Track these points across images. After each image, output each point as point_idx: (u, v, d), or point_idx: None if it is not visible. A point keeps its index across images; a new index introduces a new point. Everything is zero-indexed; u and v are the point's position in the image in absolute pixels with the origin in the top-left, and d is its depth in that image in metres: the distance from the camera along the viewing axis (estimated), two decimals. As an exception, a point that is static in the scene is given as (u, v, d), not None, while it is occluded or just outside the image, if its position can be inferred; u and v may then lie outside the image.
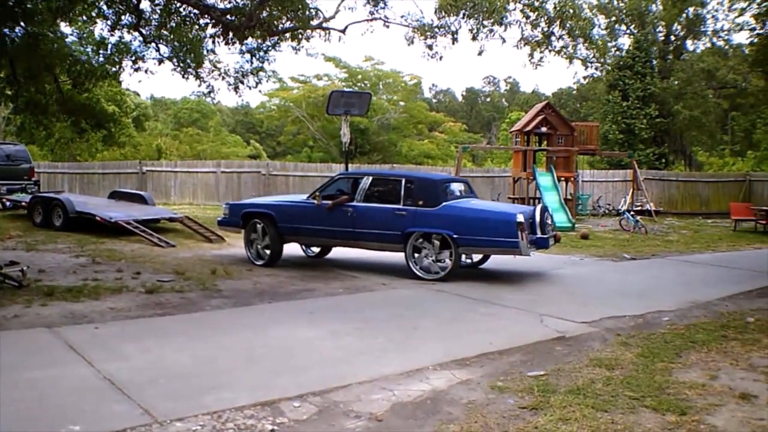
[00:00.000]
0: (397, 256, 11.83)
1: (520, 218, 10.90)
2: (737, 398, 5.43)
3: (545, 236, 11.52)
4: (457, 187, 12.25)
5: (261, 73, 20.35)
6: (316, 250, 13.56)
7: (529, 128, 24.10)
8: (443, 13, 19.87)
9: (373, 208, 11.71)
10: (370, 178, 12.15)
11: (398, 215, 11.42)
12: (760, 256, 15.71)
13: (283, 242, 12.34)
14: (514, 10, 20.66)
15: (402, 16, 21.07)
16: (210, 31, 18.35)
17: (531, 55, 22.85)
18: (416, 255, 11.29)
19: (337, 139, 31.97)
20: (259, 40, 18.66)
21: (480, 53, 21.53)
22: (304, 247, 13.55)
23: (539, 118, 24.00)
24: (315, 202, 11.93)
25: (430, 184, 11.94)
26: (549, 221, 12.03)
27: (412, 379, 5.75)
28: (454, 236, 11.03)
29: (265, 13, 17.02)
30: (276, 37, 19.17)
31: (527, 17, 20.99)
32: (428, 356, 6.41)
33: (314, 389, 5.36)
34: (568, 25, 21.51)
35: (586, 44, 24.93)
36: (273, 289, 9.86)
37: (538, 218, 11.43)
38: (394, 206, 11.52)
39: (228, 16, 17.67)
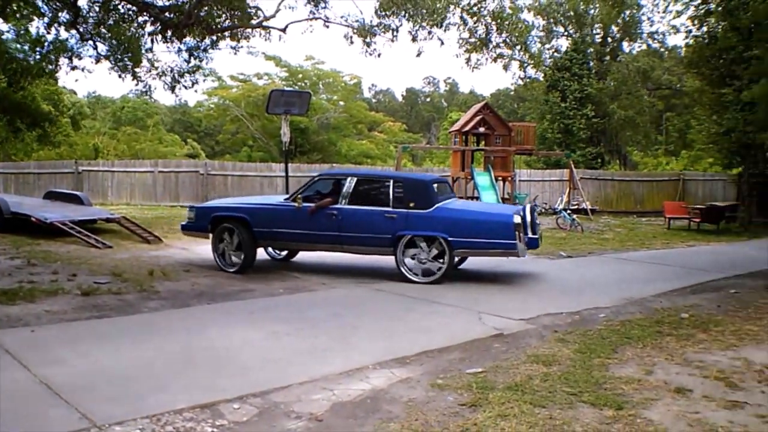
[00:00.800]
0: (339, 256, 11.88)
1: (518, 219, 10.92)
2: (672, 392, 5.58)
3: (536, 236, 11.54)
4: (441, 188, 12.05)
5: (198, 72, 20.21)
6: (283, 252, 13.14)
7: (467, 128, 24.31)
8: (384, 12, 19.93)
9: (361, 211, 11.29)
10: (355, 179, 11.64)
11: (388, 218, 11.14)
12: (693, 253, 16.11)
13: (257, 247, 11.83)
14: (454, 14, 20.85)
15: (342, 17, 21.04)
16: (148, 28, 18.16)
17: (468, 59, 23.08)
18: (407, 258, 11.12)
19: (276, 139, 31.84)
20: (198, 39, 18.51)
21: (419, 54, 21.69)
22: (270, 250, 13.13)
23: (477, 118, 24.22)
24: (295, 204, 11.39)
25: (421, 185, 11.69)
26: (538, 221, 12.10)
27: (353, 378, 5.78)
28: (449, 239, 10.90)
29: (204, 12, 16.90)
30: (215, 36, 19.03)
31: (465, 23, 21.20)
32: (368, 355, 6.45)
33: (254, 390, 5.35)
34: (504, 33, 21.77)
35: (522, 52, 25.23)
36: (212, 290, 9.80)
37: (528, 218, 11.34)
38: (384, 209, 11.22)
39: (166, 14, 17.50)
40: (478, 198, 22.30)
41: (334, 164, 30.57)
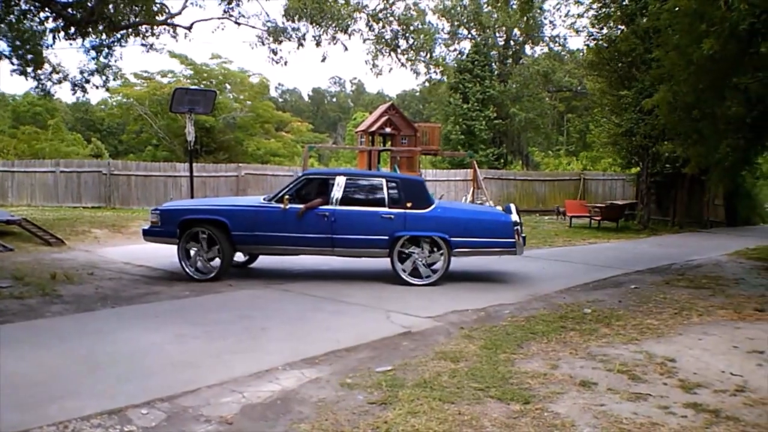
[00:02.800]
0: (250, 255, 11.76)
1: (516, 218, 11.10)
2: (578, 386, 5.71)
3: (523, 236, 11.46)
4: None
5: (108, 70, 19.75)
6: (243, 257, 12.46)
7: (373, 128, 24.42)
8: (290, 17, 19.84)
9: (357, 212, 10.99)
10: (344, 178, 11.29)
11: (385, 219, 10.93)
12: (595, 250, 16.55)
13: (235, 252, 11.30)
14: (360, 20, 20.90)
15: (247, 16, 20.82)
16: (50, 25, 17.63)
17: (374, 65, 23.20)
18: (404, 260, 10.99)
19: (181, 138, 31.34)
20: (105, 36, 18.08)
21: (323, 60, 21.61)
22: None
23: (384, 118, 24.36)
24: (281, 206, 10.85)
25: (418, 185, 11.60)
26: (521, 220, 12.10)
27: (262, 380, 5.73)
28: (449, 239, 10.91)
29: (111, 8, 16.51)
30: (120, 33, 18.62)
31: (371, 28, 21.27)
32: (277, 356, 6.40)
33: (162, 395, 5.25)
34: (411, 38, 21.93)
35: (427, 57, 25.46)
36: (116, 294, 9.58)
37: (517, 218, 11.34)
38: (380, 209, 11.00)
39: (69, 10, 17.01)
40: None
41: (240, 164, 30.31)
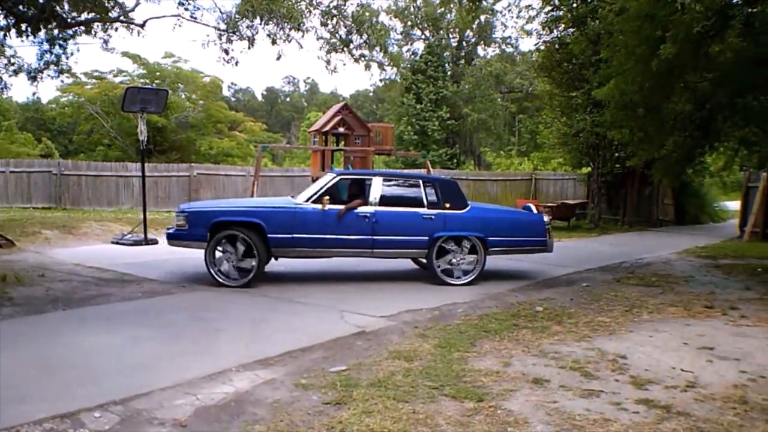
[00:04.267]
0: (187, 254, 11.65)
1: (547, 218, 11.63)
2: (530, 383, 5.76)
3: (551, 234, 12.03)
4: None
5: (59, 66, 19.48)
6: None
7: (327, 128, 24.31)
8: (241, 17, 19.73)
9: (398, 213, 10.99)
10: (381, 179, 11.27)
11: (426, 219, 11.00)
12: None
13: (271, 257, 10.87)
14: (313, 17, 20.86)
15: (202, 10, 20.68)
16: (1, 22, 17.33)
17: (328, 62, 23.16)
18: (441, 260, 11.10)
19: (133, 138, 31.02)
20: (56, 32, 17.82)
21: (278, 58, 21.63)
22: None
23: (337, 118, 24.27)
24: (320, 207, 10.65)
25: (454, 186, 11.72)
26: None
27: (216, 381, 5.69)
28: (486, 238, 11.14)
29: (63, 5, 16.28)
30: (72, 30, 18.37)
31: (325, 25, 21.26)
32: (231, 358, 6.35)
33: (115, 398, 5.18)
34: (365, 34, 21.95)
35: (382, 53, 25.56)
36: (67, 296, 9.42)
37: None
38: (420, 210, 11.06)
39: (20, 7, 16.74)
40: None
41: (193, 164, 30.09)
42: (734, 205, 29.19)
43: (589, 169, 26.36)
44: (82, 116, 39.04)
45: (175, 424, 4.75)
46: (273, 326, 7.88)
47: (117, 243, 15.53)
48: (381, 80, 45.31)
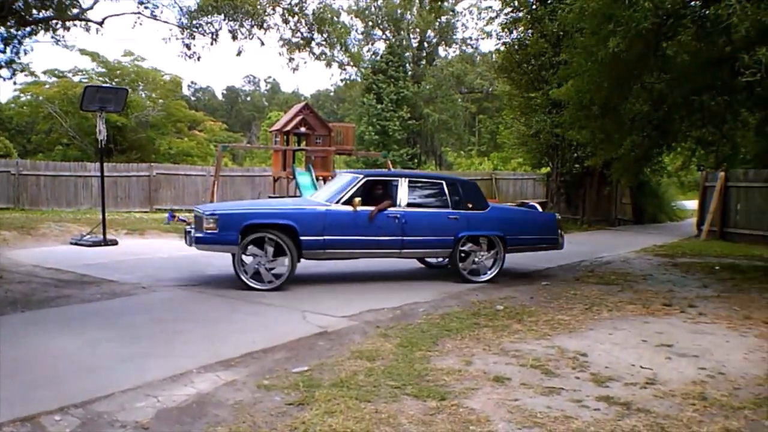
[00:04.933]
0: (148, 255, 11.58)
1: (558, 216, 12.30)
2: (492, 381, 5.80)
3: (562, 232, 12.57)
4: None
5: (13, 66, 19.23)
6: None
7: (288, 128, 24.28)
8: (203, 13, 19.63)
9: (425, 214, 11.23)
10: (407, 180, 11.38)
11: (452, 219, 11.25)
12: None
13: (300, 259, 10.60)
14: (275, 14, 20.82)
15: (161, 7, 20.52)
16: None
17: (290, 60, 23.10)
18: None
19: (92, 137, 30.55)
20: (13, 30, 17.58)
21: (239, 54, 21.54)
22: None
23: (298, 118, 24.24)
24: (350, 208, 10.65)
25: (474, 186, 12.12)
26: None
27: (177, 383, 5.65)
28: (505, 237, 11.54)
29: (21, 2, 16.06)
30: (30, 28, 18.13)
31: (287, 21, 21.21)
32: (192, 359, 6.31)
33: (76, 401, 5.12)
34: (326, 32, 21.95)
35: (342, 51, 25.57)
36: (26, 297, 9.29)
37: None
38: (446, 210, 11.31)
39: (-24, 5, 16.50)
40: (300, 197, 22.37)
41: (153, 163, 29.87)
42: (692, 204, 29.57)
43: (549, 169, 26.60)
44: (41, 115, 38.47)
45: (136, 427, 4.71)
46: (234, 327, 7.84)
47: (76, 244, 15.35)
48: (342, 80, 45.36)
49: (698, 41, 11.03)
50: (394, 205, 11.04)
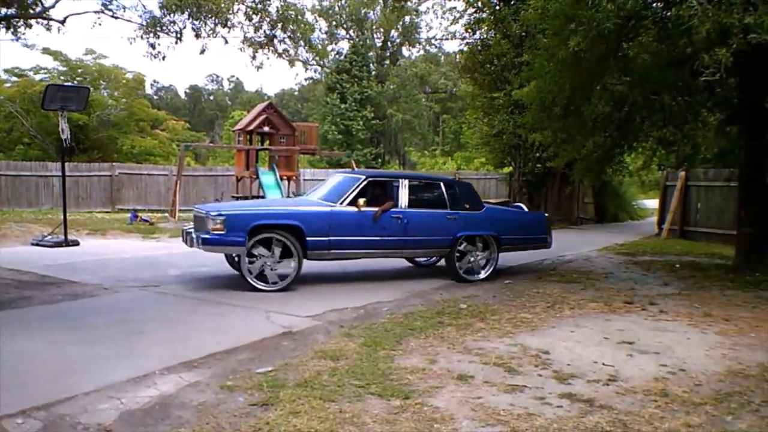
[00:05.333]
0: (109, 255, 11.48)
1: (547, 215, 12.80)
2: (455, 379, 5.84)
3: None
4: None
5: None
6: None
7: (251, 127, 24.19)
8: (167, 12, 19.49)
9: (426, 214, 11.42)
10: (407, 181, 11.56)
11: (450, 219, 11.49)
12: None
13: (305, 259, 10.58)
14: (238, 11, 20.74)
15: (123, 9, 20.35)
16: None
17: (254, 57, 22.99)
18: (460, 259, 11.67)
19: (54, 136, 30.24)
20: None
21: (202, 52, 21.30)
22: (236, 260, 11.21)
23: (262, 117, 24.17)
24: (355, 209, 10.72)
25: (471, 188, 12.42)
26: None
27: (140, 385, 5.61)
28: (499, 236, 11.86)
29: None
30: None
31: (250, 19, 21.13)
32: (155, 361, 6.27)
33: (37, 403, 5.06)
34: (290, 28, 21.89)
35: (306, 48, 25.48)
36: (-16, 299, 9.20)
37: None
38: (444, 211, 11.53)
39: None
40: (263, 197, 22.29)
41: (115, 163, 29.61)
42: (653, 203, 29.95)
43: (511, 168, 26.76)
44: (1, 114, 37.92)
45: (99, 429, 4.67)
46: (197, 328, 7.80)
47: (37, 244, 15.17)
48: (306, 79, 45.28)
49: (659, 42, 11.15)
50: (396, 205, 11.18)
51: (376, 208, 10.91)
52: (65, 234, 15.42)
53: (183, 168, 25.58)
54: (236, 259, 10.85)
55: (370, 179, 11.37)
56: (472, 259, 11.74)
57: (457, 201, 11.70)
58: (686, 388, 5.74)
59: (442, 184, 11.89)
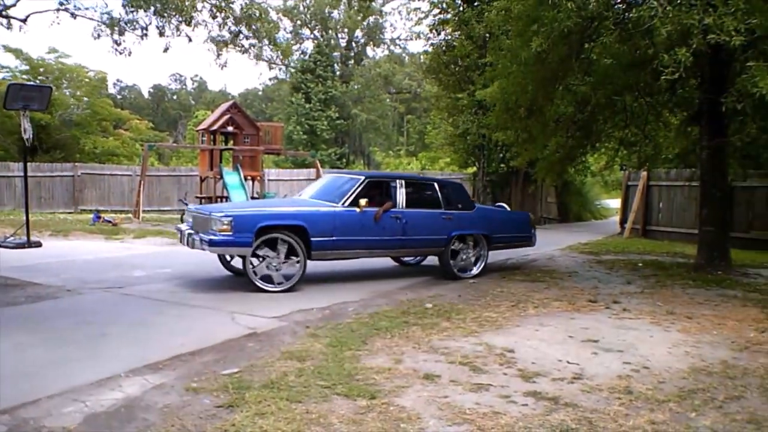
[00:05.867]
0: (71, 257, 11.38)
1: (532, 215, 13.18)
2: (422, 379, 5.86)
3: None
4: None
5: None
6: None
7: (215, 127, 24.09)
8: (132, 8, 19.36)
9: (423, 213, 11.67)
10: (404, 181, 11.80)
11: (445, 219, 11.82)
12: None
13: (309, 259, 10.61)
14: (203, 9, 20.66)
15: (87, 8, 20.18)
16: None
17: (218, 55, 22.91)
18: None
19: (15, 136, 29.88)
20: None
21: (166, 50, 21.20)
22: (228, 260, 11.73)
23: (226, 117, 24.08)
24: (357, 209, 10.80)
25: (462, 188, 13.00)
26: None
27: (105, 388, 5.56)
28: (490, 235, 12.32)
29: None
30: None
31: (215, 17, 21.06)
32: (119, 363, 6.22)
33: (1, 407, 5.01)
34: (254, 26, 21.86)
35: (271, 46, 25.42)
36: (-56, 302, 9.07)
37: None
38: (440, 211, 11.85)
39: None
40: (227, 198, 22.21)
41: (77, 163, 29.32)
42: (615, 203, 30.26)
43: (475, 168, 26.91)
44: (-38, 115, 37.45)
45: (64, 432, 4.65)
46: (162, 329, 7.76)
47: (-2, 246, 14.99)
48: (270, 79, 45.21)
49: (621, 43, 11.29)
50: (394, 206, 11.36)
51: (376, 209, 11.06)
52: (27, 235, 15.24)
53: (147, 168, 25.41)
54: (229, 259, 11.58)
55: (369, 180, 11.47)
56: (464, 257, 12.12)
57: (451, 201, 12.05)
58: (650, 386, 5.82)
59: (436, 184, 12.26)
